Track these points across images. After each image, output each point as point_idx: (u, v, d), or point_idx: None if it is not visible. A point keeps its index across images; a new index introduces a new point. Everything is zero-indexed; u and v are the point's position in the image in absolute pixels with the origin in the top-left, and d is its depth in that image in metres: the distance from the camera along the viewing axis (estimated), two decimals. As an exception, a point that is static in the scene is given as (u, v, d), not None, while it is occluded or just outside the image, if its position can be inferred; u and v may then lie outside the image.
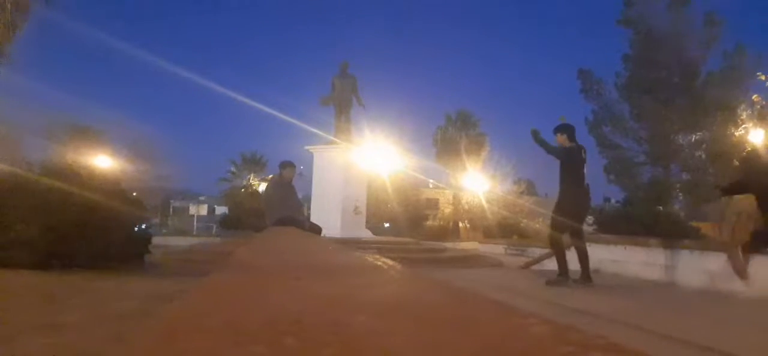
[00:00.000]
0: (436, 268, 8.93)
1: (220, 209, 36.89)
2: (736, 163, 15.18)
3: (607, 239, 9.01)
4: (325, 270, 1.91)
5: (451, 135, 31.57)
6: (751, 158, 5.96)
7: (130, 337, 3.18)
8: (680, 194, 16.14)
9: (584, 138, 18.63)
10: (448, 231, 29.04)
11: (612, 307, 4.67)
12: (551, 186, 31.32)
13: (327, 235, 10.44)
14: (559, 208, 6.06)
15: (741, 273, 5.27)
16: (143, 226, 8.43)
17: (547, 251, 10.89)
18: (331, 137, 14.06)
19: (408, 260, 8.89)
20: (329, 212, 13.35)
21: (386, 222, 29.87)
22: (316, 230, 7.25)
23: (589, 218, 21.75)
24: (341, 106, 14.34)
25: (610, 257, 8.12)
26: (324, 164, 13.98)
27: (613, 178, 16.43)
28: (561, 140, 6.13)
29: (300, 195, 8.22)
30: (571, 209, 5.96)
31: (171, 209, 45.83)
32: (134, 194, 9.52)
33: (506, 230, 24.45)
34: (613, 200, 15.95)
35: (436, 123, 32.67)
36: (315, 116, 16.27)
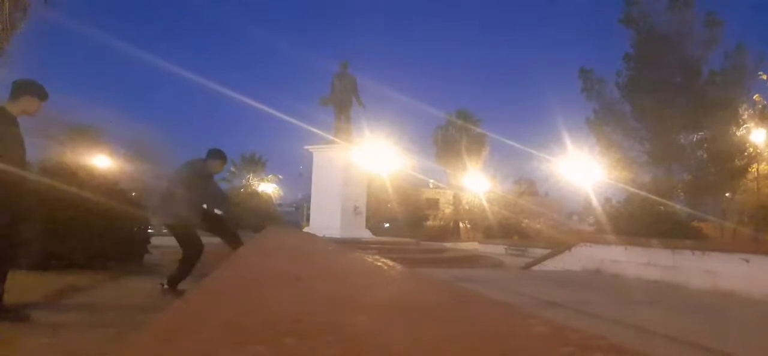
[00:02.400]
0: (437, 268, 8.93)
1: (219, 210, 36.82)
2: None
3: (607, 239, 9.01)
4: (326, 270, 1.91)
5: (451, 135, 31.56)
6: None
7: (130, 337, 3.17)
8: (681, 193, 16.11)
9: (585, 137, 18.71)
10: (449, 231, 29.07)
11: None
12: (550, 185, 31.35)
13: (326, 235, 10.45)
14: None
15: None
16: (149, 230, 8.34)
17: (548, 251, 10.91)
18: (331, 137, 14.06)
19: (408, 261, 8.90)
20: (329, 212, 13.36)
21: (386, 222, 29.86)
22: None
23: (590, 218, 21.64)
24: (341, 106, 14.35)
25: (611, 257, 8.12)
26: (324, 164, 13.98)
27: (614, 178, 16.40)
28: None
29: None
30: None
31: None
32: (133, 193, 9.50)
33: (507, 230, 24.47)
34: (613, 200, 15.88)
35: (436, 123, 32.70)
36: (315, 115, 16.29)
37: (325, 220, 13.23)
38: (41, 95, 3.83)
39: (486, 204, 28.12)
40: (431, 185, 35.04)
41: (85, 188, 5.88)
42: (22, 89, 3.75)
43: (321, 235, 9.36)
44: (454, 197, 32.42)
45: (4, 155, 3.47)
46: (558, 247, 10.35)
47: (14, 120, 3.66)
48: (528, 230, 25.26)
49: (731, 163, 15.52)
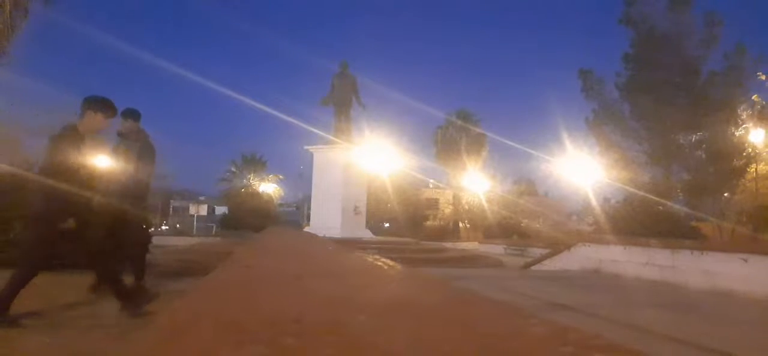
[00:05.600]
0: (436, 268, 8.93)
1: (220, 209, 36.89)
2: None
3: (606, 239, 9.01)
4: (326, 270, 1.91)
5: (451, 135, 31.56)
6: None
7: (130, 337, 3.18)
8: (680, 193, 16.11)
9: (585, 138, 18.70)
10: (448, 231, 29.05)
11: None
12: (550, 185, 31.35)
13: (327, 235, 10.45)
14: None
15: None
16: (150, 229, 8.32)
17: (547, 251, 10.91)
18: (331, 137, 14.06)
19: (408, 261, 8.89)
20: (329, 212, 13.36)
21: (386, 222, 29.86)
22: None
23: (590, 218, 21.81)
24: (341, 106, 14.34)
25: (610, 257, 8.12)
26: (324, 164, 13.98)
27: (613, 178, 16.40)
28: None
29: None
30: None
31: (171, 209, 45.79)
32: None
33: (506, 230, 24.47)
34: (612, 200, 15.89)
35: (436, 123, 32.71)
36: (315, 115, 16.30)
37: (325, 220, 13.23)
38: (106, 111, 3.78)
39: (486, 204, 28.12)
40: (431, 185, 35.04)
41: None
42: (86, 105, 3.72)
43: (321, 235, 9.36)
44: (454, 197, 32.41)
45: (66, 172, 3.51)
46: (557, 247, 10.35)
47: (80, 137, 3.67)
48: (527, 230, 25.27)
49: (730, 163, 15.51)
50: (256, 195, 30.84)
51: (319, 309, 1.01)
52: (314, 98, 15.47)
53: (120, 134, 4.90)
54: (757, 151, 15.81)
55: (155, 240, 8.28)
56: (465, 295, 1.20)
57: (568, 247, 9.35)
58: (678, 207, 14.49)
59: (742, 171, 15.90)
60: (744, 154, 15.75)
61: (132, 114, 4.89)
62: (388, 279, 1.57)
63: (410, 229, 24.76)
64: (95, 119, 3.72)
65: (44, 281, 3.67)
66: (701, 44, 16.10)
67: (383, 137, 20.77)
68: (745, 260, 5.83)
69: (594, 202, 16.62)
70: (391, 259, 1.96)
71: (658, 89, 15.68)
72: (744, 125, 15.88)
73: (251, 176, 35.05)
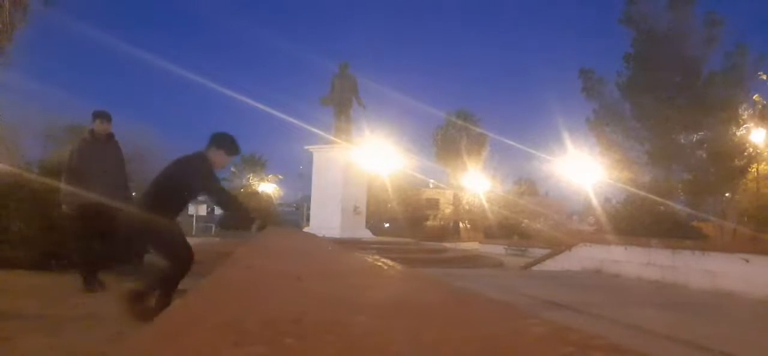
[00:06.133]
0: (437, 268, 8.93)
1: (220, 210, 36.81)
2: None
3: (607, 240, 9.01)
4: (326, 270, 1.91)
5: (451, 135, 31.56)
6: None
7: (130, 337, 3.18)
8: (681, 194, 16.10)
9: (585, 138, 18.71)
10: (449, 231, 29.06)
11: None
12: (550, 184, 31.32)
13: (326, 235, 10.44)
14: None
15: None
16: None
17: (548, 251, 10.91)
18: (331, 137, 14.06)
19: (408, 261, 8.89)
20: (329, 212, 13.36)
21: (386, 222, 29.86)
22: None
23: (591, 218, 21.69)
24: (341, 106, 14.34)
25: (611, 257, 8.12)
26: (324, 164, 13.98)
27: (614, 178, 16.39)
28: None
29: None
30: None
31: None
32: (133, 194, 9.48)
33: (507, 230, 24.46)
34: (613, 201, 15.90)
35: (436, 123, 32.72)
36: (315, 115, 16.32)
37: (325, 220, 13.23)
38: (228, 148, 4.02)
39: (486, 204, 28.11)
40: (431, 185, 35.04)
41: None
42: (212, 141, 3.98)
43: (321, 235, 9.35)
44: (454, 197, 32.43)
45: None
46: (558, 247, 10.36)
47: (208, 166, 3.92)
48: (528, 230, 25.25)
49: (731, 163, 15.50)
50: (256, 195, 30.84)
51: (319, 309, 1.01)
52: (314, 97, 15.50)
53: (93, 134, 5.16)
54: (758, 151, 15.80)
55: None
56: (465, 295, 1.19)
57: (569, 247, 9.35)
58: (679, 207, 14.48)
59: (743, 171, 15.89)
60: (745, 154, 15.74)
61: (105, 116, 5.20)
62: (388, 279, 1.57)
63: (410, 229, 24.76)
64: (218, 154, 3.95)
65: (44, 281, 3.67)
66: (702, 43, 16.08)
67: (383, 137, 20.80)
68: (747, 261, 5.82)
69: (595, 202, 16.62)
70: (391, 259, 1.96)
71: (659, 89, 15.67)
72: (745, 125, 15.87)
73: (250, 176, 35.05)
